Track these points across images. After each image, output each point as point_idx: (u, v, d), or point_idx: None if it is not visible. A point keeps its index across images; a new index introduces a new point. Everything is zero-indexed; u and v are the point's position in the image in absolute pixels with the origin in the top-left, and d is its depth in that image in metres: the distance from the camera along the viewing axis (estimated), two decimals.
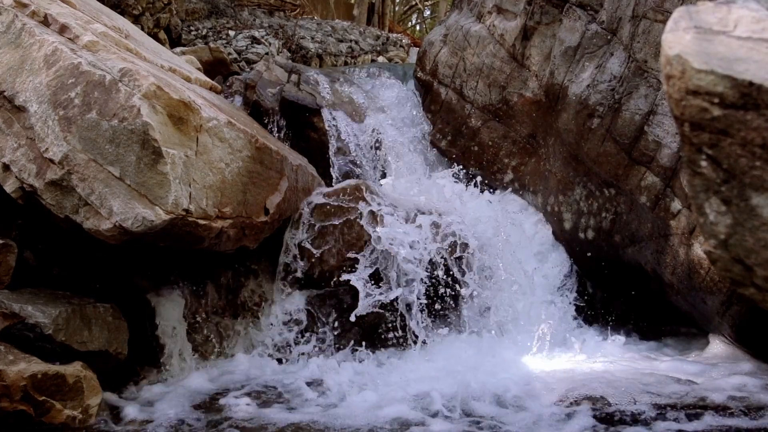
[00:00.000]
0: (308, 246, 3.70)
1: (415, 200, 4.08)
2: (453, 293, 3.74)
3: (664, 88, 1.17)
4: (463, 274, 3.77)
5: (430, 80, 5.40)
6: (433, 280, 3.67)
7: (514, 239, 4.12)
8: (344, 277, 3.56)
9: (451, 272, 3.73)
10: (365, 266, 3.60)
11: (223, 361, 3.40)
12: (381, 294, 3.53)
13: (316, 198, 3.84)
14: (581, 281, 4.23)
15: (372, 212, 3.69)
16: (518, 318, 3.76)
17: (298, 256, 3.71)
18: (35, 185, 2.73)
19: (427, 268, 3.63)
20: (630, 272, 3.81)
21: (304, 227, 3.75)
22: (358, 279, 3.54)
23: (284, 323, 3.57)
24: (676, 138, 3.36)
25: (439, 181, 4.72)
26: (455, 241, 3.77)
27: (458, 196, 4.43)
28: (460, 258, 3.78)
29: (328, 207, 3.76)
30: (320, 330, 3.59)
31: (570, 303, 4.07)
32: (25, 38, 2.92)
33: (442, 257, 3.70)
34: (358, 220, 3.68)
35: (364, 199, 3.75)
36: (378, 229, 3.62)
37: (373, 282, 3.58)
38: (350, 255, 3.64)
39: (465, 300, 3.75)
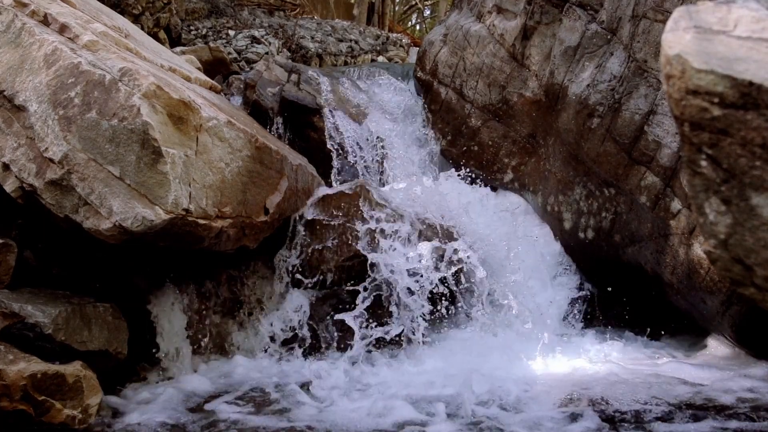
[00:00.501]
0: (300, 277, 3.63)
1: (418, 210, 3.88)
2: (455, 324, 3.66)
3: (664, 87, 1.17)
4: (471, 306, 3.63)
5: (429, 80, 5.39)
6: (437, 313, 3.58)
7: (527, 264, 3.92)
8: (339, 316, 3.46)
9: (457, 303, 3.64)
10: (363, 299, 3.48)
11: (222, 362, 3.40)
12: (381, 331, 3.43)
13: (308, 212, 3.70)
14: (590, 301, 4.13)
15: (370, 231, 3.57)
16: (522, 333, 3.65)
17: (290, 283, 3.65)
18: (35, 185, 2.73)
19: (428, 298, 3.51)
20: (630, 272, 3.81)
21: (296, 251, 3.64)
22: (354, 318, 3.43)
23: (283, 324, 3.57)
24: (676, 138, 3.36)
25: (444, 186, 4.51)
26: (461, 269, 3.60)
27: (465, 209, 4.16)
28: (467, 288, 3.64)
29: (321, 225, 3.64)
30: (320, 331, 3.59)
31: (577, 327, 3.97)
32: (24, 38, 2.92)
33: (446, 286, 3.57)
34: (354, 245, 3.58)
35: (361, 217, 3.62)
36: (376, 256, 3.49)
37: (370, 313, 3.48)
38: (348, 288, 3.54)
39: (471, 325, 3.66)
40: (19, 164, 2.78)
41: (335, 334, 3.58)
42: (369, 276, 3.52)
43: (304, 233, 3.67)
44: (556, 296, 4.01)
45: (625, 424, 2.42)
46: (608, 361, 3.29)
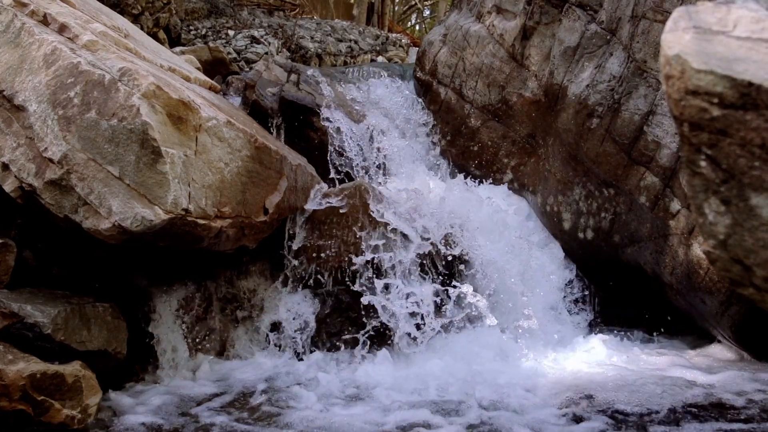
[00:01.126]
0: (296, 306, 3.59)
1: (419, 229, 3.69)
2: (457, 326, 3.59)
3: (664, 88, 1.17)
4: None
5: (429, 80, 5.39)
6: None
7: (543, 298, 3.79)
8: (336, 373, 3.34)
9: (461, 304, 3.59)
10: (362, 344, 3.43)
11: (220, 364, 3.39)
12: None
13: (299, 235, 3.62)
14: (592, 302, 4.06)
15: (369, 264, 3.49)
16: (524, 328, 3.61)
17: (290, 285, 3.63)
18: (34, 185, 2.73)
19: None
20: (629, 272, 3.81)
21: (287, 288, 3.60)
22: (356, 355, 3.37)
23: (282, 326, 3.55)
24: (676, 138, 3.36)
25: (453, 197, 4.21)
26: (467, 316, 3.51)
27: (474, 236, 3.89)
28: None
29: (309, 257, 3.59)
30: (319, 332, 3.58)
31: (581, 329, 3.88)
32: (24, 37, 2.92)
33: (450, 329, 3.51)
34: (350, 285, 3.49)
35: (358, 249, 3.54)
36: (373, 299, 3.42)
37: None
38: (346, 337, 3.49)
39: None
40: (18, 164, 2.77)
41: (335, 330, 3.57)
42: (365, 321, 3.46)
43: (296, 263, 3.63)
44: (574, 343, 3.67)
45: (628, 425, 2.42)
46: (612, 363, 3.28)
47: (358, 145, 4.73)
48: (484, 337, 3.58)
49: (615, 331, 3.87)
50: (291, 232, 3.68)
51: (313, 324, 3.57)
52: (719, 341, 3.50)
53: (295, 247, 3.66)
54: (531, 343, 3.52)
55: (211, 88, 4.30)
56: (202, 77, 4.36)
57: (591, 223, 4.00)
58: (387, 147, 4.71)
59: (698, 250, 3.19)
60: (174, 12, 8.26)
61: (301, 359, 3.47)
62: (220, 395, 2.95)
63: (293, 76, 5.33)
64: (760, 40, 1.16)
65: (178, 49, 6.37)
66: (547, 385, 2.97)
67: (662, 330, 3.83)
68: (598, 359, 3.38)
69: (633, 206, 3.68)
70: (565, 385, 2.93)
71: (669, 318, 3.79)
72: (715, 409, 2.51)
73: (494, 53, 4.84)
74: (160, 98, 2.76)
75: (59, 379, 2.46)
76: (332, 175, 4.52)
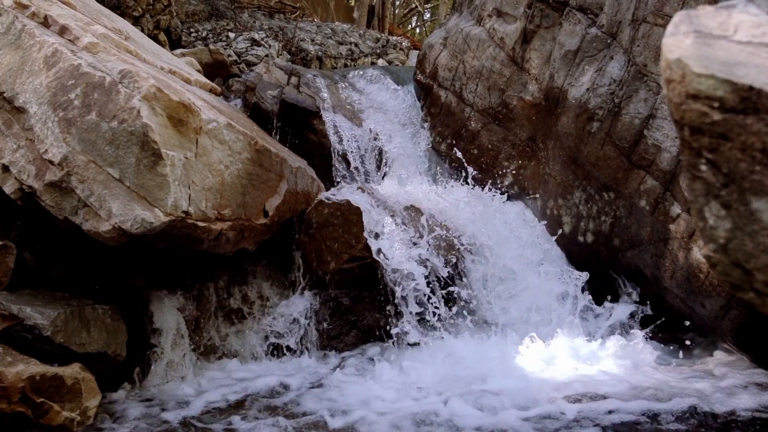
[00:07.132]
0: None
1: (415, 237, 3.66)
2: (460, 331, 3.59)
3: (664, 92, 1.17)
4: None
5: (429, 83, 5.40)
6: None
7: (545, 302, 3.74)
8: None
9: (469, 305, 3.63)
10: None
11: (221, 364, 3.39)
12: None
13: (300, 235, 3.64)
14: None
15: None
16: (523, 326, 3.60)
17: (289, 288, 3.67)
18: (34, 186, 2.73)
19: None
20: (629, 276, 3.80)
21: (289, 287, 3.62)
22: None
23: (282, 327, 3.55)
24: (676, 142, 3.37)
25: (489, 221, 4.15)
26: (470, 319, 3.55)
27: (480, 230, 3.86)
28: None
29: (315, 251, 3.59)
30: (319, 334, 3.58)
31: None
32: (25, 39, 2.92)
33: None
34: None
35: (359, 252, 3.57)
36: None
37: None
38: (346, 339, 3.51)
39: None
40: (18, 166, 2.77)
41: (334, 338, 3.57)
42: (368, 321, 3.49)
43: (296, 265, 3.61)
44: (574, 347, 3.54)
45: (628, 427, 2.41)
46: (610, 365, 3.27)
47: (357, 147, 4.74)
48: (484, 342, 3.58)
49: (615, 335, 3.86)
50: (291, 234, 3.68)
51: (312, 326, 3.57)
52: (719, 345, 3.50)
53: (294, 249, 3.66)
54: (532, 346, 3.52)
55: (211, 91, 4.30)
56: (203, 79, 4.36)
57: (591, 226, 4.00)
58: (387, 149, 4.70)
59: (698, 254, 3.19)
60: (175, 14, 8.26)
61: (301, 361, 3.47)
62: (219, 398, 2.94)
63: (293, 79, 5.34)
64: (761, 44, 1.16)
65: (178, 51, 6.37)
66: (546, 386, 2.97)
67: (662, 333, 3.82)
68: (594, 362, 3.37)
69: (633, 210, 3.68)
70: (562, 387, 2.92)
71: (668, 321, 3.78)
72: (716, 417, 2.51)
73: (495, 56, 4.84)
74: (161, 100, 2.76)
75: (58, 381, 2.46)
76: (333, 176, 4.52)
